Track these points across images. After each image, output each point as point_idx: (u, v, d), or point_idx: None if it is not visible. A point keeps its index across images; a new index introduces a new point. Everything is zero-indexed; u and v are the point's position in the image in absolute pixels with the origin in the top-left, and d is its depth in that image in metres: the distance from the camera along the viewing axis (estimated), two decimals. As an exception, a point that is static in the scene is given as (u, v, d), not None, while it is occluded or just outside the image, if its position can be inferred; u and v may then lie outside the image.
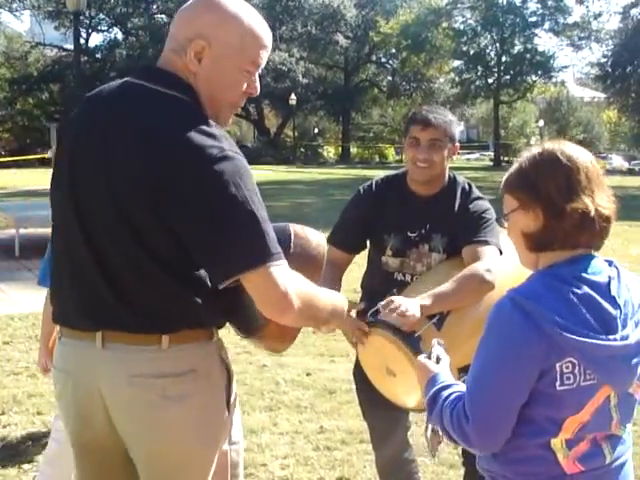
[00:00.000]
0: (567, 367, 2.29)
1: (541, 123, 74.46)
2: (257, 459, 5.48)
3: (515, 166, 2.48)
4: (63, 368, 2.76)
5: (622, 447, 2.46)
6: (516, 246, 2.52)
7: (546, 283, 2.34)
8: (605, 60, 64.99)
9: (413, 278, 3.88)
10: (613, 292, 2.36)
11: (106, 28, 62.62)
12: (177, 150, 2.45)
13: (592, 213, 2.35)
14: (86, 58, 54.64)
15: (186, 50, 2.62)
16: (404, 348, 3.42)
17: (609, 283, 2.38)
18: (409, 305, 3.43)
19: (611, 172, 57.01)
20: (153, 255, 2.53)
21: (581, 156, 2.43)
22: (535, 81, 66.38)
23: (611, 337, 2.30)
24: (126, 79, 2.72)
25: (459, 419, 2.34)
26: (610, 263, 2.45)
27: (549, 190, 2.36)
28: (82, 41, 54.15)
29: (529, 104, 73.15)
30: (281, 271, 2.45)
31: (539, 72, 65.07)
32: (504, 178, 2.50)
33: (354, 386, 4.31)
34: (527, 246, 2.44)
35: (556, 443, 2.35)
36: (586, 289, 2.33)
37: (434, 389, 2.50)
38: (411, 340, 3.42)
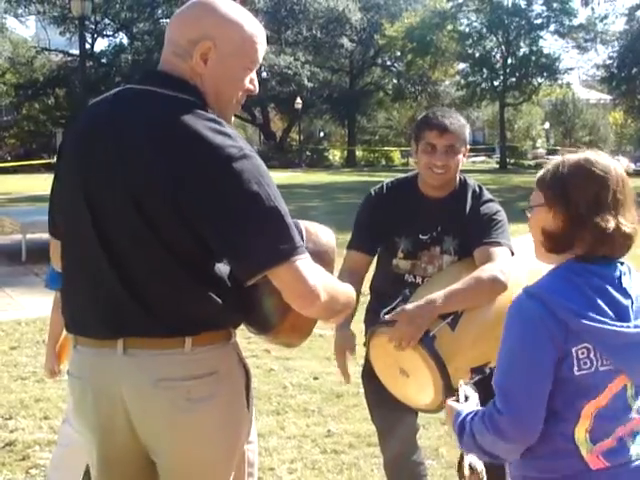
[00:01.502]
0: (582, 352, 2.40)
1: (547, 125, 74.33)
2: (265, 463, 5.48)
3: (552, 165, 2.59)
4: (81, 376, 2.76)
5: None
6: (535, 239, 2.63)
7: (560, 276, 2.47)
8: (611, 62, 64.81)
9: (424, 280, 3.89)
10: (625, 284, 2.46)
11: (111, 33, 62.58)
12: (197, 152, 2.49)
13: (610, 230, 2.44)
14: (92, 63, 54.63)
15: (191, 53, 2.67)
16: (418, 348, 3.43)
17: (620, 276, 2.48)
18: (416, 317, 3.45)
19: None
20: (177, 258, 2.56)
21: (615, 173, 2.53)
22: (541, 83, 66.14)
23: (625, 324, 2.40)
24: (130, 86, 2.76)
25: (491, 417, 2.41)
26: (622, 263, 2.54)
27: (577, 200, 2.47)
28: (87, 46, 54.07)
29: (535, 106, 72.89)
30: (307, 264, 2.51)
31: (545, 74, 64.85)
32: (540, 172, 2.61)
33: (361, 389, 4.31)
34: (546, 247, 2.55)
35: (579, 436, 2.42)
36: (598, 280, 2.45)
37: (459, 421, 2.55)
38: (426, 340, 3.42)
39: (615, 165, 2.54)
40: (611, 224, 2.44)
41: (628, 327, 2.41)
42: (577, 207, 2.46)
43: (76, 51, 47.16)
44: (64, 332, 4.69)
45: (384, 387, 3.73)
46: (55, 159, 2.90)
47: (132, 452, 2.74)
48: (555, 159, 2.61)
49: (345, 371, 3.95)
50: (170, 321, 2.61)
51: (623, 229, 2.46)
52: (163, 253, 2.55)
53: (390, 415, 4.03)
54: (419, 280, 3.92)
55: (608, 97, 73.55)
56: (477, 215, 3.87)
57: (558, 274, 2.48)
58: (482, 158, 70.53)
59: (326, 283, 2.58)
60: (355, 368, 4.00)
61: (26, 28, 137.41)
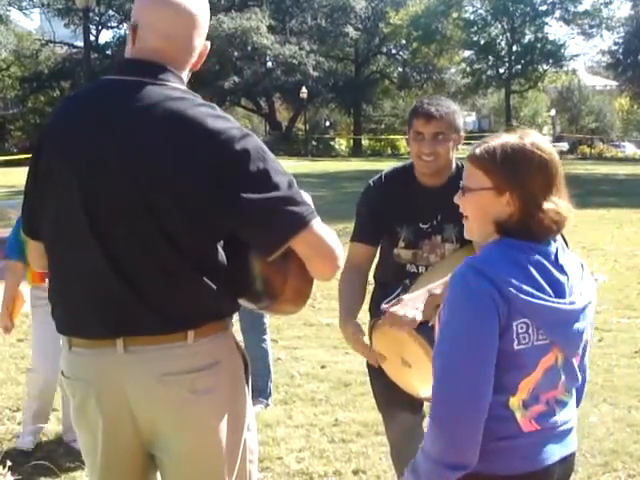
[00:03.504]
0: (522, 327, 2.43)
1: (553, 112, 74.25)
2: (272, 452, 5.50)
3: (495, 145, 2.52)
4: (81, 377, 2.71)
5: (568, 413, 2.63)
6: (473, 220, 2.60)
7: (501, 250, 2.48)
8: (616, 48, 64.83)
9: (427, 269, 3.87)
10: (561, 260, 2.53)
11: (116, 24, 62.63)
12: (202, 139, 2.50)
13: (563, 214, 2.50)
14: (96, 55, 54.72)
15: (188, 46, 2.69)
16: (419, 338, 3.41)
17: (557, 252, 2.54)
18: (415, 304, 3.42)
19: (624, 160, 56.93)
20: (180, 250, 2.54)
21: (555, 155, 2.56)
22: (546, 70, 66.22)
23: (561, 300, 2.47)
24: (116, 77, 2.70)
25: (436, 406, 2.44)
26: (555, 240, 2.57)
27: (533, 187, 2.48)
28: (92, 38, 54.20)
29: (540, 93, 72.94)
30: (322, 225, 2.58)
31: (550, 61, 64.93)
32: (477, 151, 2.55)
33: (369, 378, 4.30)
34: (496, 234, 2.54)
35: (514, 402, 2.48)
36: (537, 256, 2.49)
37: (407, 471, 2.58)
38: (425, 330, 3.41)
39: (552, 147, 2.57)
40: (563, 208, 2.50)
41: (564, 303, 2.46)
42: (533, 194, 2.47)
43: (81, 43, 47.21)
44: (17, 293, 5.56)
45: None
46: (33, 157, 2.78)
47: (135, 450, 2.72)
48: (494, 140, 2.56)
49: (373, 355, 3.72)
50: (173, 317, 2.58)
51: (568, 213, 2.53)
52: (167, 248, 2.53)
53: (395, 403, 4.02)
54: (422, 269, 3.89)
55: (614, 83, 73.50)
56: None
57: (501, 249, 2.49)
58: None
59: (337, 240, 2.63)
60: (362, 357, 3.98)
61: (30, 21, 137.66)
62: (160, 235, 2.52)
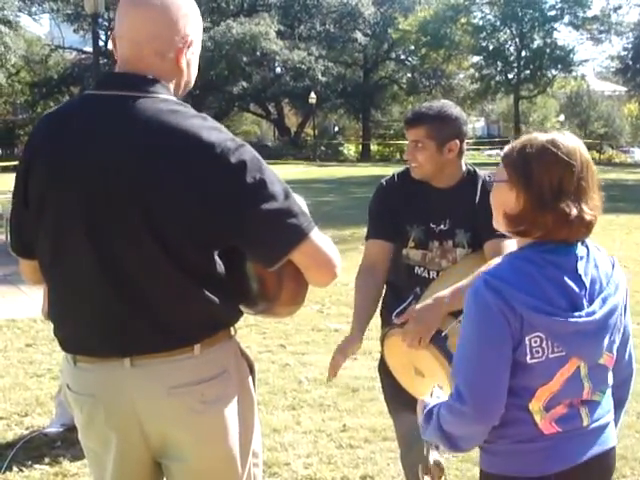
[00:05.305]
0: (535, 341, 2.45)
1: (562, 118, 74.07)
2: (280, 458, 5.48)
3: (520, 142, 2.56)
4: (89, 393, 2.67)
5: (600, 411, 2.61)
6: (495, 213, 2.64)
7: (515, 265, 2.49)
8: (625, 53, 64.70)
9: (438, 274, 3.85)
10: (580, 271, 2.50)
11: (125, 30, 62.70)
12: (199, 153, 2.46)
13: (573, 217, 2.45)
14: (105, 60, 54.68)
15: (177, 52, 2.63)
16: (431, 348, 3.40)
17: (576, 263, 2.51)
18: (425, 319, 3.42)
19: (633, 165, 56.82)
20: (183, 265, 2.52)
21: (580, 157, 2.51)
22: (555, 76, 66.12)
23: (576, 314, 2.45)
24: (107, 92, 2.64)
25: (455, 406, 2.48)
26: (582, 242, 2.56)
27: (541, 184, 2.47)
28: (101, 43, 54.25)
29: (549, 99, 72.79)
30: (319, 234, 2.57)
31: (559, 66, 64.80)
32: (506, 148, 2.61)
33: (377, 384, 4.29)
34: (506, 229, 2.58)
35: (533, 406, 2.50)
36: (552, 269, 2.47)
37: (425, 411, 2.66)
38: (438, 340, 3.40)
39: (581, 149, 2.53)
40: (574, 211, 2.45)
41: (580, 317, 2.45)
42: (540, 191, 2.46)
43: (90, 48, 47.28)
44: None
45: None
46: (21, 179, 2.70)
47: (145, 461, 2.72)
48: (524, 136, 2.59)
49: (334, 369, 4.03)
50: (179, 333, 2.58)
51: (584, 216, 2.47)
52: (170, 264, 2.50)
53: (407, 409, 4.00)
54: (433, 275, 3.87)
55: (623, 89, 73.35)
56: (487, 207, 3.82)
57: (515, 264, 2.50)
58: (497, 151, 70.37)
59: (334, 247, 2.63)
60: (371, 362, 3.97)
61: (40, 26, 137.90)
62: (163, 251, 2.49)
